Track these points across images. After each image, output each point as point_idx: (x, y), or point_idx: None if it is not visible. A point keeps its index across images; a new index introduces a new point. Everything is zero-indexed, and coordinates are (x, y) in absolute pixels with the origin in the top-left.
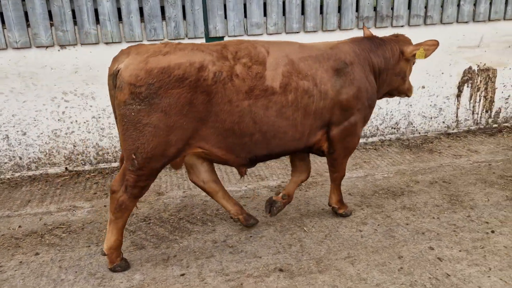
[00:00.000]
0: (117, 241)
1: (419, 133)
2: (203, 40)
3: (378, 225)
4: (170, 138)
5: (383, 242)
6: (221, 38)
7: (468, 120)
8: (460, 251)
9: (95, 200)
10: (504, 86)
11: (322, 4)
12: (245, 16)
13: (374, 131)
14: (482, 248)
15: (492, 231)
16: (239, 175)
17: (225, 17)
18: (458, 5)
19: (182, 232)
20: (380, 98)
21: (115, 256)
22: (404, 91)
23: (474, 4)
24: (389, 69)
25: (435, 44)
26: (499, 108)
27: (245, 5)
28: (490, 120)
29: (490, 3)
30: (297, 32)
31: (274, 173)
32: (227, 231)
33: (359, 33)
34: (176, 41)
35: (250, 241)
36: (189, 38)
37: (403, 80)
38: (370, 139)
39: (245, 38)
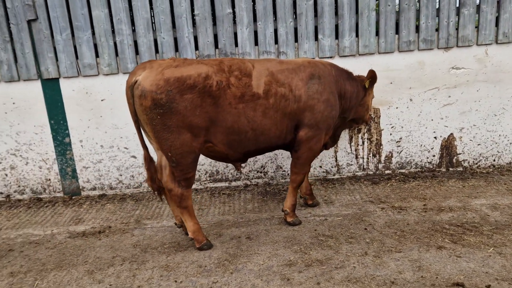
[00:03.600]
0: (196, 224)
1: None
2: (38, 82)
3: None
4: (191, 135)
5: None
6: (56, 79)
7: (351, 165)
8: None
9: None
10: (392, 127)
11: (156, 43)
12: (77, 58)
13: (237, 174)
14: None
15: None
16: (236, 169)
17: (57, 59)
18: (316, 40)
19: None
20: (347, 126)
21: (201, 236)
22: (365, 119)
23: (337, 38)
24: (357, 100)
25: (372, 73)
26: (390, 152)
27: (75, 47)
28: (380, 166)
29: (357, 36)
30: None
31: None
32: None
33: None
34: (13, 83)
35: None
36: (24, 80)
37: (367, 110)
38: (233, 183)
39: (80, 79)
